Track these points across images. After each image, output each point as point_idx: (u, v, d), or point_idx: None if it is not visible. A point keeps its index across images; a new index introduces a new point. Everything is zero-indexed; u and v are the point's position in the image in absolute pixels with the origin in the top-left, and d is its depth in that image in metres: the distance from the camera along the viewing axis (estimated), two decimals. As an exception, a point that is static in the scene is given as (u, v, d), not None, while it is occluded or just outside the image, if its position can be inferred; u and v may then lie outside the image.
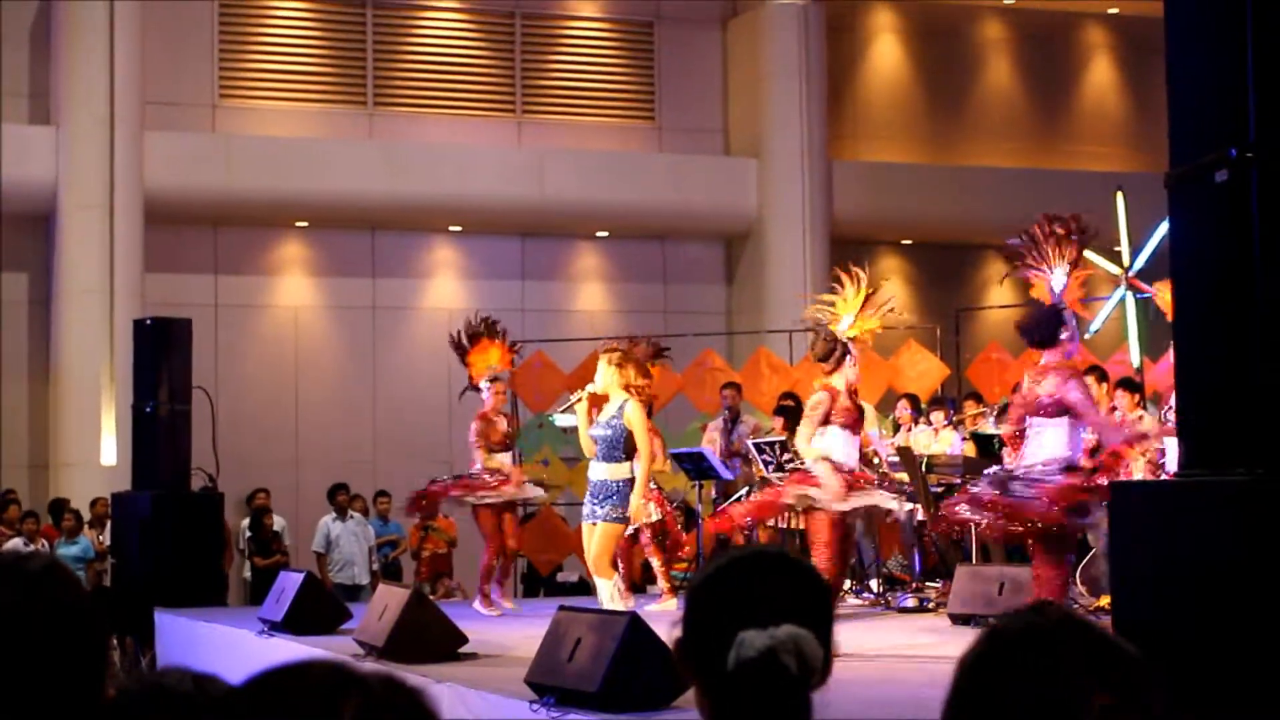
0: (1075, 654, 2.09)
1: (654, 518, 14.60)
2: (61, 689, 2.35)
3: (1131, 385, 14.55)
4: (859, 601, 15.10)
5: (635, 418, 11.66)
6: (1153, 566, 5.98)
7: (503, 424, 15.24)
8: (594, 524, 11.64)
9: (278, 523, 20.09)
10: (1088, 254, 16.91)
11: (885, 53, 25.80)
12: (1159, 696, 2.12)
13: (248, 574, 19.74)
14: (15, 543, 17.93)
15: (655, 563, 14.63)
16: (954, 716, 2.12)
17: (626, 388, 11.84)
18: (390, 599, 11.22)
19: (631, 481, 11.67)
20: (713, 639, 2.50)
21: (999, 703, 2.09)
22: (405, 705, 1.79)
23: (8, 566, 2.45)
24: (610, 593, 11.42)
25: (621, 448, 11.70)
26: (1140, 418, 14.17)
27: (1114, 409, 14.43)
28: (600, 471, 11.72)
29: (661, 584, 14.57)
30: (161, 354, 16.31)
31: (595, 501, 11.72)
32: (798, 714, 2.47)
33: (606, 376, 11.93)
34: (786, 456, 15.01)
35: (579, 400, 12.64)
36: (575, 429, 19.27)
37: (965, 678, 2.14)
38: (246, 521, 20.07)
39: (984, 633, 2.20)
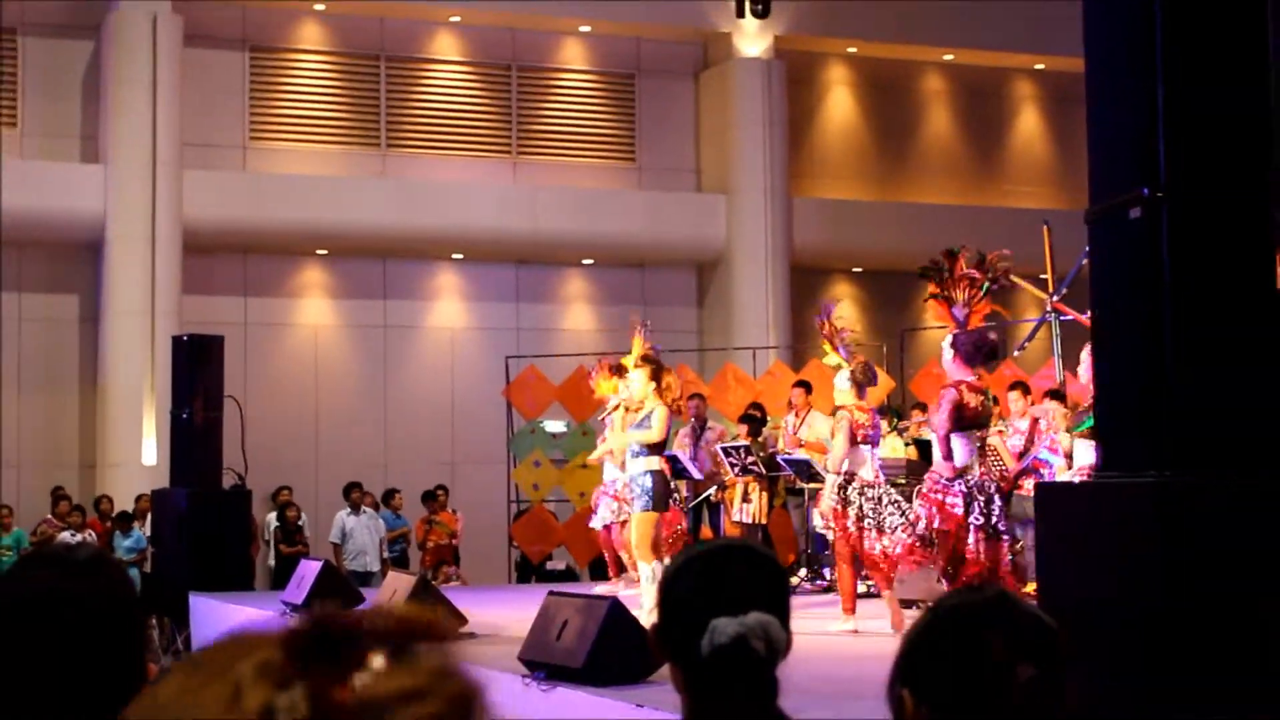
0: (1003, 629, 2.11)
1: (626, 516, 14.56)
2: (106, 665, 2.36)
3: (1058, 396, 14.57)
4: (814, 588, 15.10)
5: (658, 419, 11.62)
6: (1074, 557, 5.98)
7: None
8: (624, 519, 11.64)
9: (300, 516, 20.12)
10: (1016, 280, 16.99)
11: (839, 102, 25.84)
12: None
13: (272, 561, 19.70)
14: (64, 535, 17.95)
15: (624, 556, 14.58)
16: (898, 682, 2.14)
17: (659, 395, 11.75)
18: (398, 584, 11.23)
19: (656, 473, 11.60)
20: (687, 624, 2.50)
21: (936, 670, 2.11)
22: None
23: (59, 556, 2.47)
24: (651, 574, 11.27)
25: (649, 445, 11.67)
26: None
27: (1036, 419, 14.44)
28: (634, 467, 11.67)
29: (633, 573, 14.51)
30: (197, 367, 16.30)
31: (632, 495, 11.69)
32: (766, 691, 2.48)
33: (639, 385, 11.83)
34: (750, 459, 15.03)
35: (614, 409, 12.62)
36: (564, 434, 19.44)
37: (908, 648, 2.16)
38: (274, 515, 20.06)
39: (929, 607, 2.22)
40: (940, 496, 10.50)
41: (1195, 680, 5.28)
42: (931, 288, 10.99)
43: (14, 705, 2.36)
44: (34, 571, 2.45)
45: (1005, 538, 10.53)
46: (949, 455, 10.57)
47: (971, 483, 10.47)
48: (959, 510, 10.38)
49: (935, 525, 10.48)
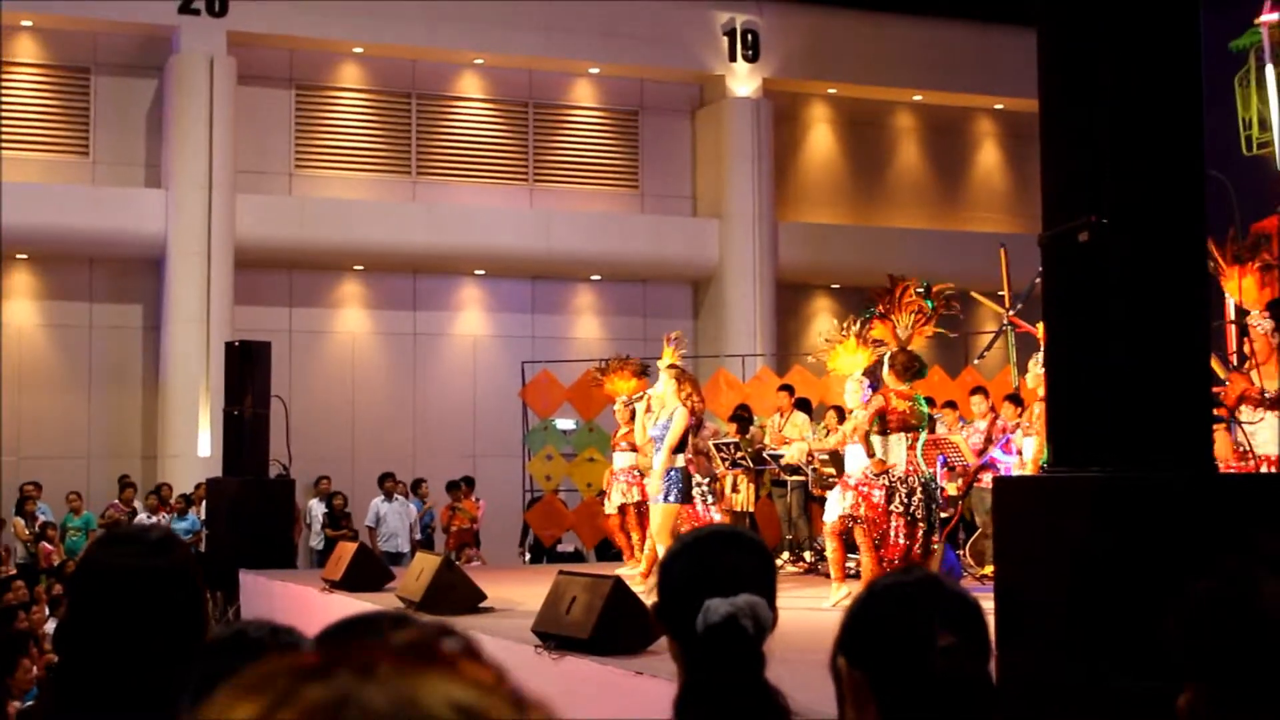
0: (927, 604, 2.14)
1: (635, 499, 14.50)
2: (174, 628, 2.43)
3: (1015, 400, 14.59)
4: (795, 569, 15.09)
5: (678, 422, 11.61)
6: (1027, 544, 5.99)
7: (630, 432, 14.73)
8: (657, 504, 11.63)
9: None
10: (977, 296, 17.05)
11: (820, 137, 25.86)
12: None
13: (316, 544, 19.66)
14: (141, 517, 18.07)
15: (634, 536, 14.51)
16: (840, 650, 2.17)
17: (684, 399, 11.75)
18: (425, 564, 11.21)
19: (680, 469, 11.60)
20: (683, 603, 2.51)
21: (870, 641, 2.14)
22: None
23: (134, 536, 2.57)
24: None
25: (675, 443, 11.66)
26: (1017, 424, 14.21)
27: (996, 417, 14.49)
28: (662, 461, 11.66)
29: (639, 553, 14.44)
30: (247, 370, 16.30)
31: (663, 484, 11.65)
32: (754, 665, 2.49)
33: (667, 387, 11.85)
34: (739, 454, 15.03)
35: (640, 399, 12.58)
36: (573, 431, 19.42)
37: (849, 621, 2.19)
38: (316, 501, 20.06)
39: (864, 587, 2.25)
40: (866, 489, 10.90)
41: (1131, 651, 5.29)
42: (880, 308, 11.34)
43: (98, 661, 2.46)
44: (114, 549, 2.54)
45: (922, 523, 10.86)
46: (871, 452, 10.88)
47: (895, 477, 10.87)
48: (880, 501, 10.81)
49: (861, 512, 10.83)
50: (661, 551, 11.28)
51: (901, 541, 10.79)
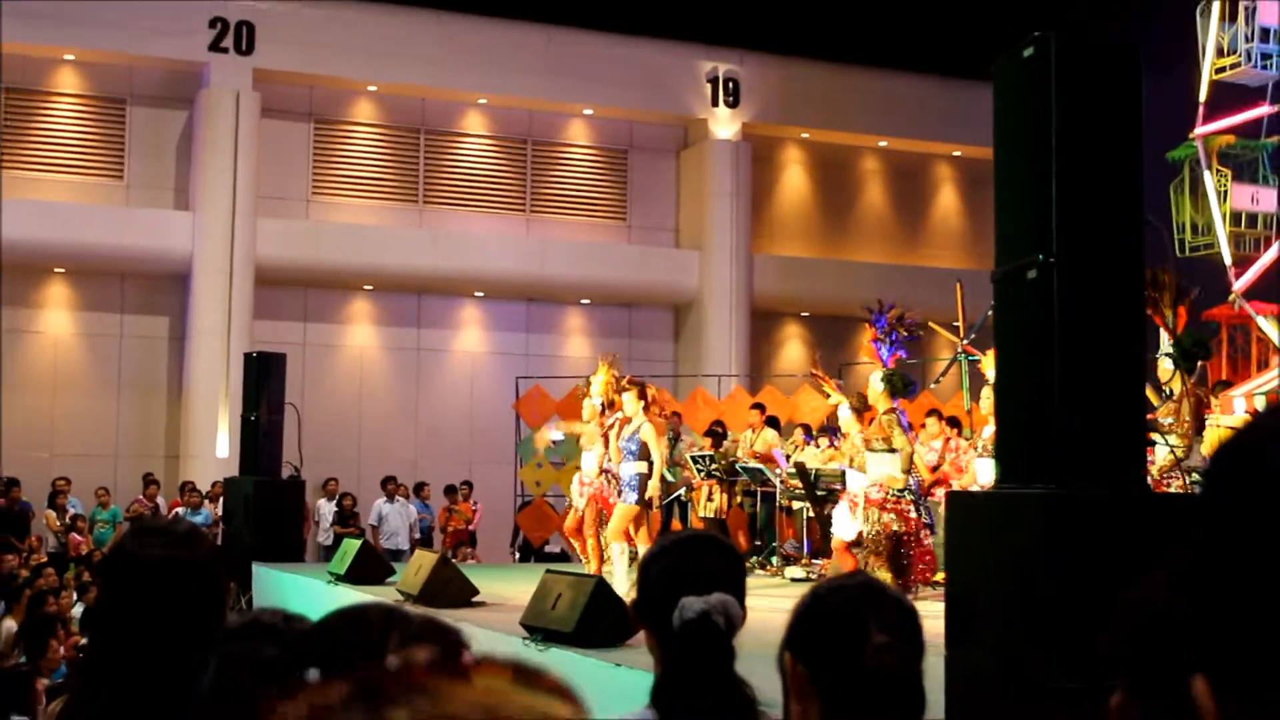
0: (865, 606, 2.16)
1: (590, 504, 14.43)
2: (198, 613, 2.45)
3: (953, 422, 14.63)
4: (762, 573, 15.08)
5: (648, 434, 11.60)
6: (976, 554, 6.00)
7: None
8: (619, 504, 11.61)
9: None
10: (933, 326, 17.09)
11: (794, 178, 25.91)
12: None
13: (325, 540, 19.58)
14: (179, 510, 18.10)
15: (590, 542, 14.42)
16: (786, 647, 2.19)
17: (649, 413, 11.72)
18: (424, 560, 11.20)
19: (643, 475, 11.60)
20: (661, 601, 2.52)
21: (813, 638, 2.16)
22: (440, 637, 1.79)
23: (163, 529, 2.60)
24: (620, 551, 11.35)
25: (640, 453, 11.65)
26: (970, 445, 14.21)
27: (949, 439, 14.48)
28: (628, 469, 11.65)
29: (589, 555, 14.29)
30: (263, 379, 16.27)
31: (624, 488, 11.65)
32: (725, 659, 2.50)
33: (630, 404, 11.81)
34: (714, 466, 15.03)
35: (613, 424, 12.51)
36: (562, 441, 19.37)
37: (794, 620, 2.21)
38: (324, 501, 19.99)
39: (810, 590, 2.27)
40: (894, 506, 10.77)
41: (1068, 653, 5.30)
42: (871, 334, 11.39)
43: (124, 643, 2.48)
44: (143, 540, 2.56)
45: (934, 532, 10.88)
46: (910, 468, 10.81)
47: (915, 490, 10.90)
48: (914, 514, 10.77)
49: (895, 529, 10.67)
50: (615, 547, 11.38)
51: (929, 545, 10.82)
